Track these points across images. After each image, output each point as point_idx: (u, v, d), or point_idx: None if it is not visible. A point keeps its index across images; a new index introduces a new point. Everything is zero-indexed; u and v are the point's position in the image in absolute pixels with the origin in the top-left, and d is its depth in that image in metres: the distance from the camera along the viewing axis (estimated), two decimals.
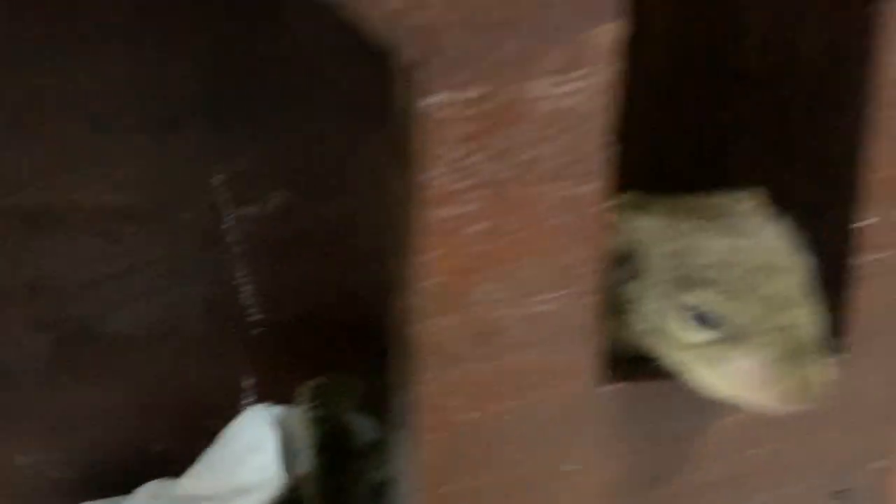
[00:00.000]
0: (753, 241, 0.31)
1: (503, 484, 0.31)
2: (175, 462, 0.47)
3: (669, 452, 0.33)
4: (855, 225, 0.33)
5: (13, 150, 0.43)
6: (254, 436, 0.46)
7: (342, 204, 0.46)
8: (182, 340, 0.47)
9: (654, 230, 0.32)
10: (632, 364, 0.32)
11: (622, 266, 0.31)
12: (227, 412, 0.48)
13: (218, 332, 0.48)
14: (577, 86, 0.28)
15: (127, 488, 0.46)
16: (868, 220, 0.32)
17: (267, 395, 0.48)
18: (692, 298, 0.30)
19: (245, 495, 0.44)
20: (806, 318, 0.30)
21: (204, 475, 0.45)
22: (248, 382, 0.49)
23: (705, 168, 0.41)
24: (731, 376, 0.30)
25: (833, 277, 0.33)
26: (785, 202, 0.35)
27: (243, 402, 0.49)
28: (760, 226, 0.32)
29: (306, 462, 0.45)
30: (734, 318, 0.30)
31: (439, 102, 0.27)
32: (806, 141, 0.35)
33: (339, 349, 0.48)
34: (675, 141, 0.43)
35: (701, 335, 0.30)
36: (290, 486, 0.44)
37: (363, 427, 0.46)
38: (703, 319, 0.30)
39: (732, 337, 0.30)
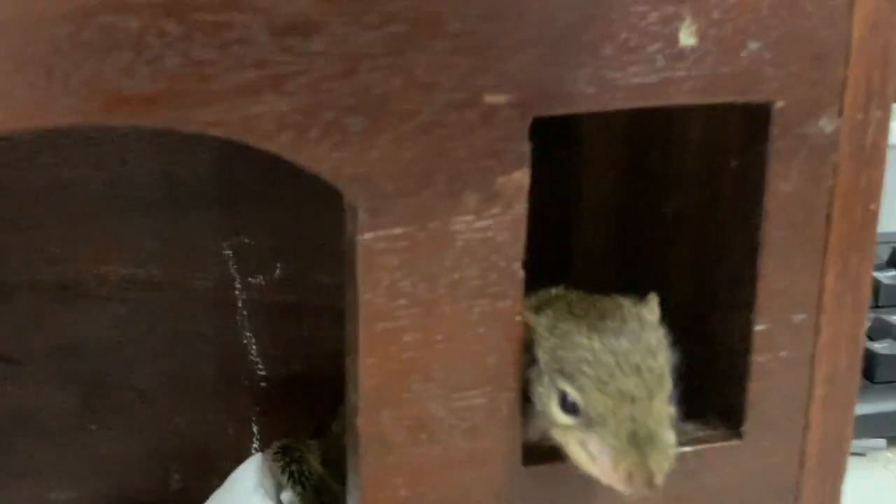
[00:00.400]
0: (626, 342, 0.35)
1: None
2: (192, 498, 0.53)
3: None
4: (753, 329, 0.37)
5: (50, 231, 0.49)
6: (256, 478, 0.52)
7: (334, 273, 0.52)
8: (197, 393, 0.53)
9: (549, 325, 0.36)
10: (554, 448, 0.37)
11: (524, 354, 0.36)
12: (237, 455, 0.54)
13: (228, 386, 0.53)
14: (490, 222, 0.33)
15: None
16: (761, 326, 0.37)
17: (270, 439, 0.54)
18: (561, 385, 0.35)
19: None
20: (656, 412, 0.34)
21: None
22: (255, 429, 0.55)
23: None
24: (585, 457, 0.35)
25: (737, 373, 0.38)
26: (706, 306, 0.40)
27: (251, 446, 0.55)
28: (638, 329, 0.36)
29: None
30: (590, 408, 0.34)
31: (374, 237, 0.33)
32: (721, 259, 0.39)
33: (334, 401, 0.53)
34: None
35: (566, 419, 0.35)
36: None
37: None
38: (567, 405, 0.35)
39: (588, 423, 0.34)
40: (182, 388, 0.53)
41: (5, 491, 0.51)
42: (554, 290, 0.40)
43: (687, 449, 0.37)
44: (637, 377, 0.34)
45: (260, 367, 0.54)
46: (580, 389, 0.34)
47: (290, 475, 0.51)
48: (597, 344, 0.35)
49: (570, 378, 0.35)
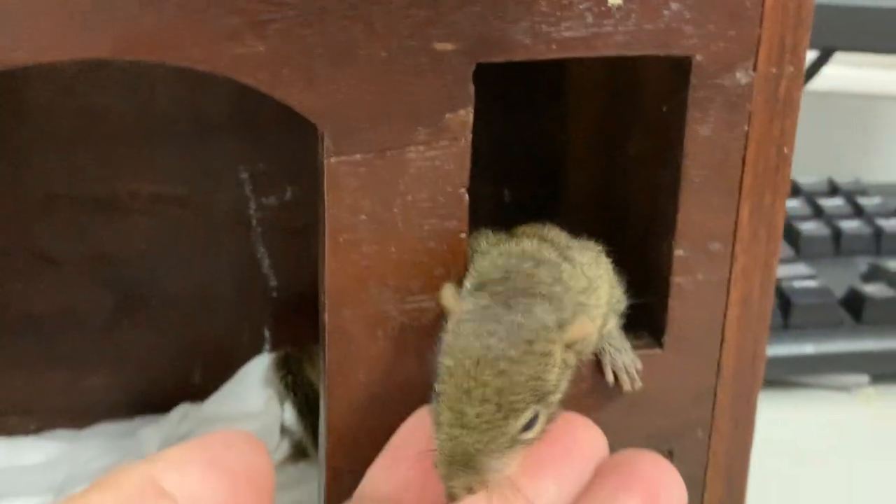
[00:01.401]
0: (491, 349, 0.35)
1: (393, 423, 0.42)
2: (211, 389, 0.60)
3: None
4: (673, 254, 0.43)
5: (88, 151, 0.56)
6: (264, 375, 0.59)
7: None
8: (215, 299, 0.59)
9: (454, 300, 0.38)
10: None
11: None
12: (250, 356, 0.61)
13: (243, 294, 0.60)
14: (439, 153, 0.39)
15: (167, 409, 0.59)
16: (680, 252, 0.42)
17: (280, 343, 0.61)
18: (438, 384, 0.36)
19: (253, 419, 0.57)
20: (486, 438, 0.34)
21: (223, 401, 0.58)
22: (267, 334, 0.62)
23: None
24: None
25: (661, 292, 0.44)
26: (647, 237, 0.45)
27: (263, 349, 0.62)
28: (514, 336, 0.35)
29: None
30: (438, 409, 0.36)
31: (338, 162, 0.39)
32: (655, 194, 0.45)
33: None
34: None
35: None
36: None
37: None
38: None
39: (437, 422, 0.36)
40: (202, 296, 0.60)
41: (46, 377, 0.58)
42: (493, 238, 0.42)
43: None
44: (479, 404, 0.34)
45: (272, 279, 0.60)
46: (438, 394, 0.36)
47: (286, 385, 0.58)
48: (462, 342, 0.36)
49: (438, 376, 0.36)
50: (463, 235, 0.40)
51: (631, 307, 0.44)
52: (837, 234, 0.82)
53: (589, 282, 0.40)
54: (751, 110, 0.41)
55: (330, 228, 0.39)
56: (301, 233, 0.59)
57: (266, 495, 0.31)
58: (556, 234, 0.43)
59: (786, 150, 0.42)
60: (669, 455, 0.45)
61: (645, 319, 0.44)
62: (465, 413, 0.34)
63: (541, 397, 0.35)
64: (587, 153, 0.57)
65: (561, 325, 0.36)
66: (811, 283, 0.76)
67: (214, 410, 0.57)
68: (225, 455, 0.31)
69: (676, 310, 0.43)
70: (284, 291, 0.61)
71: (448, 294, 0.38)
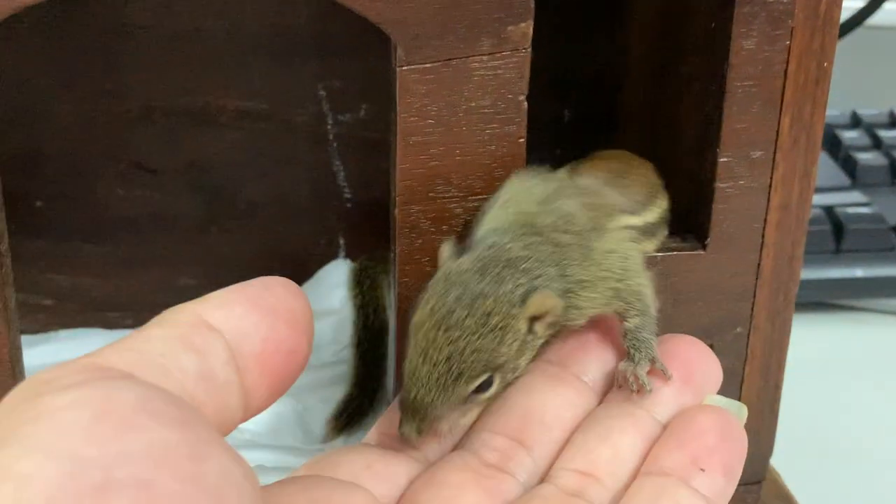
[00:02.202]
0: (468, 297, 0.37)
1: None
2: None
3: None
4: (718, 161, 0.46)
5: (183, 68, 0.61)
6: (339, 277, 0.64)
7: None
8: (294, 208, 0.64)
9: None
10: None
11: None
12: (326, 260, 0.66)
13: (320, 205, 0.64)
14: (501, 62, 0.43)
15: None
16: (724, 158, 0.46)
17: (353, 252, 0.66)
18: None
19: (328, 316, 0.62)
20: (427, 392, 0.37)
21: None
22: (341, 242, 0.67)
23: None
24: None
25: (706, 197, 0.47)
26: (696, 147, 0.49)
27: (338, 256, 0.67)
28: (481, 305, 0.37)
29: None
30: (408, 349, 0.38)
31: (409, 70, 0.43)
32: (702, 107, 0.48)
33: None
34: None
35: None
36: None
37: None
38: None
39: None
40: (283, 204, 0.65)
41: (142, 275, 0.64)
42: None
43: (659, 254, 0.47)
44: (431, 365, 0.37)
45: (347, 191, 0.65)
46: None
47: (354, 305, 0.61)
48: (431, 302, 0.38)
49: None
50: (522, 140, 0.44)
51: (678, 212, 0.47)
52: (894, 165, 0.84)
53: (595, 272, 0.41)
54: (792, 26, 0.44)
55: (401, 131, 0.43)
56: (373, 147, 0.64)
57: (303, 334, 0.33)
58: (595, 199, 0.43)
59: (825, 64, 0.45)
60: (710, 348, 0.49)
61: (691, 223, 0.48)
62: (418, 370, 0.37)
63: (494, 368, 0.37)
64: (642, 74, 0.60)
65: (524, 300, 0.37)
66: (865, 210, 0.78)
67: None
68: (264, 296, 0.32)
69: (719, 213, 0.46)
70: (358, 202, 0.65)
71: (444, 252, 0.40)
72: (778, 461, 0.54)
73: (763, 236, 0.47)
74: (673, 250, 0.47)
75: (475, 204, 0.45)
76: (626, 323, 0.41)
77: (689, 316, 0.48)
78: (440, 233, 0.45)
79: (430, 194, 0.45)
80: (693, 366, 0.42)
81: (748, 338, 0.49)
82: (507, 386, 0.39)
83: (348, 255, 0.66)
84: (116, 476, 0.24)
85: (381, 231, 0.64)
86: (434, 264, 0.46)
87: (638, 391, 0.40)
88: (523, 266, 0.38)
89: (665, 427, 0.41)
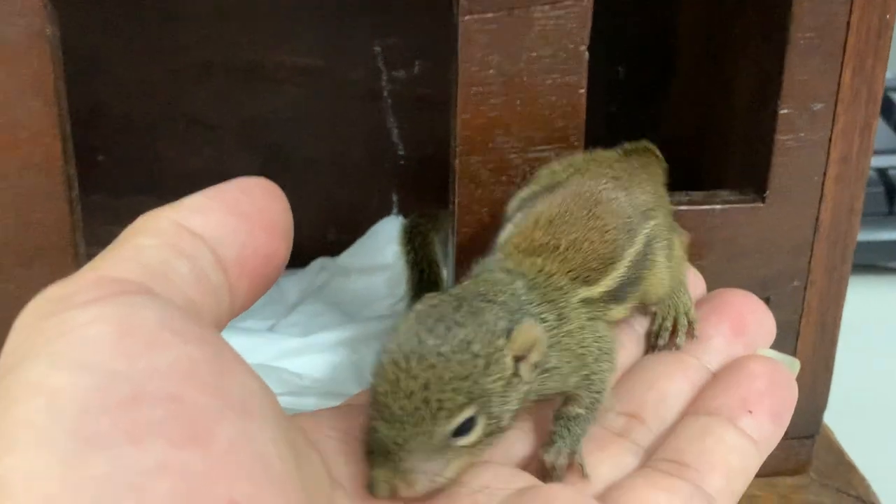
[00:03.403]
0: (443, 327, 0.32)
1: None
2: (342, 248, 0.66)
3: None
4: (778, 113, 0.46)
5: (241, 25, 0.62)
6: (392, 233, 0.65)
7: None
8: (349, 164, 0.65)
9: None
10: None
11: None
12: (379, 216, 0.67)
13: (375, 161, 0.65)
14: (563, 12, 0.43)
15: (305, 263, 0.65)
16: (784, 111, 0.46)
17: (407, 208, 0.67)
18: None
19: (382, 271, 0.63)
20: (399, 431, 0.31)
21: (356, 255, 0.64)
22: (394, 198, 0.67)
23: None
24: None
25: (765, 150, 0.47)
26: (753, 100, 0.48)
27: (390, 211, 0.67)
28: (461, 349, 0.32)
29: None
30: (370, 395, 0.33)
31: (471, 20, 0.43)
32: (762, 59, 0.48)
33: None
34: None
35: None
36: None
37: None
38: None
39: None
40: (338, 161, 0.65)
41: None
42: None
43: (717, 207, 0.47)
44: (404, 397, 0.31)
45: (400, 148, 0.66)
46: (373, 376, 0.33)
47: (407, 262, 0.61)
48: (398, 337, 0.33)
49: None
50: (582, 91, 0.44)
51: (741, 167, 0.47)
52: None
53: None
54: None
55: (462, 81, 0.44)
56: (428, 105, 0.64)
57: (281, 238, 0.32)
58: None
59: (888, 17, 0.44)
60: (767, 302, 0.49)
61: (750, 177, 0.48)
62: (388, 406, 0.31)
63: (476, 400, 0.32)
64: (695, 32, 0.60)
65: (509, 333, 0.33)
66: None
67: (348, 262, 0.63)
68: (242, 200, 0.32)
69: (779, 166, 0.46)
70: (411, 159, 0.66)
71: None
72: (829, 418, 0.54)
73: (822, 189, 0.47)
74: (732, 203, 0.47)
75: (534, 155, 0.45)
76: (568, 408, 0.37)
77: (747, 269, 0.48)
78: (500, 183, 0.46)
79: (490, 145, 0.45)
80: (746, 318, 0.42)
81: (805, 292, 0.49)
82: (490, 440, 0.33)
83: (401, 212, 0.67)
84: (146, 389, 0.24)
85: (434, 188, 0.65)
86: (493, 216, 0.46)
87: (555, 480, 0.36)
88: (498, 299, 0.34)
89: (715, 375, 0.41)
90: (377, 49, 0.63)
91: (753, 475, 0.38)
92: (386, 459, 0.32)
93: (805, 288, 0.49)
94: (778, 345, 0.50)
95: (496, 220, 0.46)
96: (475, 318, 0.33)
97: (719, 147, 0.55)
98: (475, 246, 0.46)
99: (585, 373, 0.37)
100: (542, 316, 0.36)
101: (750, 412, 0.38)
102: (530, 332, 0.34)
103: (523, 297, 0.35)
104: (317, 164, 0.65)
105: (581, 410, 0.37)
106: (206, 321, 0.29)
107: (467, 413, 0.32)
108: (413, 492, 0.32)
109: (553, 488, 0.34)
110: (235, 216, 0.31)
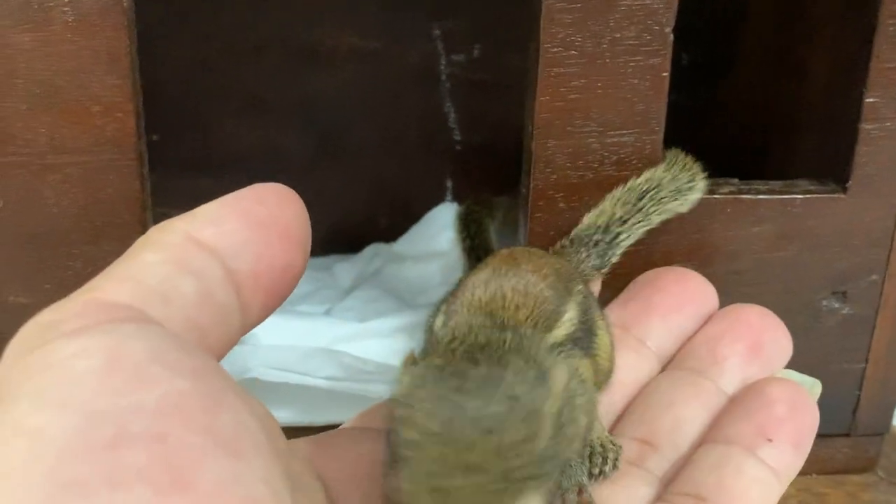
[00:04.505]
0: (473, 384, 0.28)
1: None
2: (394, 233, 0.65)
3: None
4: (864, 101, 0.45)
5: (298, 6, 0.61)
6: (447, 220, 0.63)
7: (524, 57, 0.61)
8: (404, 148, 0.64)
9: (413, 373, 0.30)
10: None
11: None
12: (432, 203, 0.65)
13: (429, 146, 0.64)
14: None
15: (356, 249, 0.64)
16: (871, 99, 0.44)
17: (461, 195, 0.66)
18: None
19: (437, 258, 0.62)
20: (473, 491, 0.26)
21: (411, 241, 0.63)
22: (448, 184, 0.66)
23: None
24: None
25: (847, 139, 0.46)
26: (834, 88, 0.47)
27: (445, 199, 0.66)
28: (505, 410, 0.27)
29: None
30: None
31: (553, 1, 0.42)
32: (845, 46, 0.47)
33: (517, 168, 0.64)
34: None
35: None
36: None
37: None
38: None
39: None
40: (392, 145, 0.64)
41: None
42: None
43: (798, 197, 0.46)
44: (467, 474, 0.26)
45: (456, 133, 0.65)
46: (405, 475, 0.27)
47: (464, 249, 0.61)
48: (423, 408, 0.28)
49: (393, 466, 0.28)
50: (665, 74, 0.43)
51: (814, 155, 0.46)
52: None
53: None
54: None
55: (543, 63, 0.43)
56: (486, 89, 0.63)
57: (298, 248, 0.31)
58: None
59: None
60: (843, 296, 0.48)
61: (828, 166, 0.47)
62: (442, 489, 0.26)
63: (542, 468, 0.28)
64: (762, 19, 0.59)
65: (542, 378, 0.29)
66: None
67: (403, 249, 0.62)
68: (257, 209, 0.30)
69: (863, 155, 0.45)
70: (467, 145, 0.65)
71: (404, 363, 0.31)
72: None
73: None
74: (812, 193, 0.46)
75: (613, 139, 0.44)
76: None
77: (824, 261, 0.47)
78: (576, 168, 0.45)
79: (568, 128, 0.44)
80: (762, 336, 0.41)
81: (882, 286, 0.48)
82: None
83: (455, 199, 0.66)
84: (130, 430, 0.23)
85: (489, 175, 0.64)
86: (568, 201, 0.45)
87: None
88: (506, 349, 0.30)
89: (732, 399, 0.40)
90: (436, 32, 0.62)
91: None
92: None
93: (883, 282, 0.48)
94: (853, 340, 0.49)
95: (571, 208, 0.45)
96: (506, 369, 0.29)
97: (788, 135, 0.54)
98: (548, 233, 0.46)
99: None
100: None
101: (770, 440, 0.37)
102: (564, 378, 0.30)
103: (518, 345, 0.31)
104: (371, 148, 0.64)
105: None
106: (210, 342, 0.28)
107: (536, 484, 0.27)
108: None
109: None
110: (250, 226, 0.29)
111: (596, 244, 0.44)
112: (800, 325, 0.48)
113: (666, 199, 0.45)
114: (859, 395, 0.50)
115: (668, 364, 0.42)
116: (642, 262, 0.46)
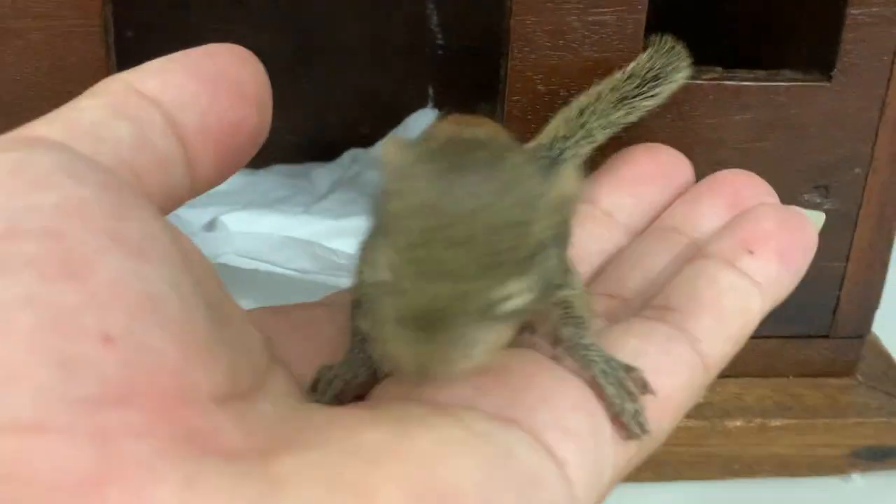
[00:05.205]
0: (469, 165, 0.26)
1: None
2: (374, 139, 0.63)
3: None
4: None
5: None
6: (426, 126, 0.62)
7: None
8: (385, 53, 0.63)
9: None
10: None
11: None
12: (414, 109, 0.64)
13: (412, 51, 0.63)
14: None
15: (337, 155, 0.63)
16: None
17: (442, 102, 0.65)
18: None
19: None
20: (452, 288, 0.25)
21: None
22: (429, 91, 0.65)
23: None
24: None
25: (834, 26, 0.45)
26: None
27: (427, 105, 0.65)
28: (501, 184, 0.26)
29: None
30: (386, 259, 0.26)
31: None
32: None
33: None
34: None
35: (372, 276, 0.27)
36: None
37: None
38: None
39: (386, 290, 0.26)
40: (373, 49, 0.63)
41: None
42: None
43: (782, 84, 0.45)
44: (451, 246, 0.25)
45: (439, 37, 0.63)
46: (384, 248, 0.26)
47: None
48: (414, 183, 0.26)
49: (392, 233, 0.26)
50: None
51: (805, 45, 0.45)
52: None
53: None
54: None
55: None
56: None
57: (251, 105, 0.30)
58: None
59: None
60: (825, 190, 0.47)
61: (816, 56, 0.46)
62: (431, 258, 0.25)
63: (533, 254, 0.26)
64: None
65: (548, 171, 0.28)
66: None
67: (381, 152, 0.61)
68: (206, 64, 0.30)
69: (849, 42, 0.44)
70: (450, 50, 0.64)
71: (391, 146, 0.29)
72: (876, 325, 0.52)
73: (892, 69, 0.45)
74: (796, 81, 0.45)
75: (595, 17, 0.43)
76: (563, 330, 0.32)
77: (807, 153, 0.46)
78: (556, 48, 0.43)
79: (549, 4, 0.43)
80: (741, 188, 0.39)
81: (865, 180, 0.47)
82: (524, 313, 0.27)
83: (437, 106, 0.64)
84: (22, 225, 0.22)
85: (473, 82, 0.63)
86: (547, 83, 0.44)
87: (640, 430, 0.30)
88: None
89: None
90: None
91: (757, 320, 0.34)
92: (432, 328, 0.25)
93: (866, 176, 0.47)
94: (833, 237, 0.48)
95: (550, 91, 0.44)
96: (507, 156, 0.27)
97: (784, 27, 0.52)
98: (525, 117, 0.45)
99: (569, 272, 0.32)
100: None
101: (750, 252, 0.35)
102: (574, 176, 0.28)
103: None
104: (352, 51, 0.63)
105: (574, 320, 0.31)
106: (148, 187, 0.27)
107: (519, 273, 0.26)
108: (457, 368, 0.26)
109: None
110: (198, 80, 0.29)
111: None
112: None
113: (638, 97, 0.43)
114: (839, 296, 0.49)
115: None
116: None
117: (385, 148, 0.29)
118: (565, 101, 0.43)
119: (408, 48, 0.63)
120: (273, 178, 0.62)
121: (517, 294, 0.26)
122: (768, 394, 0.50)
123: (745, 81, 0.45)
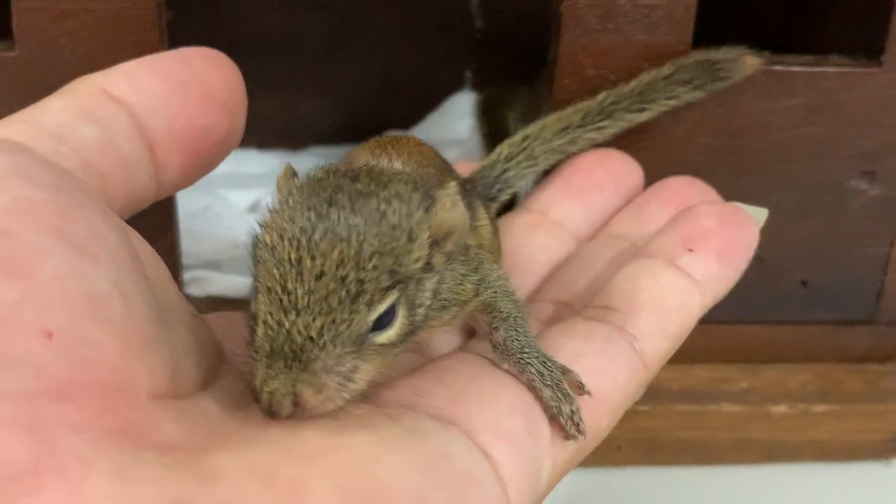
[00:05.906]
0: (345, 197, 0.27)
1: None
2: (411, 123, 0.63)
3: None
4: None
5: None
6: (464, 109, 0.62)
7: None
8: (423, 35, 0.62)
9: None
10: None
11: None
12: (450, 91, 0.64)
13: (449, 34, 0.63)
14: None
15: (374, 136, 0.64)
16: None
17: (480, 85, 0.64)
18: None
19: (455, 146, 0.61)
20: (308, 320, 0.26)
21: (429, 128, 0.62)
22: (467, 74, 0.65)
23: None
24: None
25: (883, 11, 0.45)
26: None
27: (463, 87, 0.65)
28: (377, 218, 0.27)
29: None
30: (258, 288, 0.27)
31: None
32: None
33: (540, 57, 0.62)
34: None
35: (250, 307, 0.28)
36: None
37: None
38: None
39: (255, 320, 0.27)
40: (411, 31, 0.63)
41: (265, 99, 0.62)
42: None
43: (830, 70, 0.45)
44: (313, 280, 0.26)
45: (478, 19, 0.63)
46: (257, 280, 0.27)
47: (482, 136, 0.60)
48: (287, 214, 0.27)
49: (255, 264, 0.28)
50: None
51: (848, 30, 0.45)
52: None
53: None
54: None
55: None
56: None
57: (222, 111, 0.31)
58: None
59: None
60: (872, 176, 0.47)
61: (862, 41, 0.46)
62: (291, 292, 0.26)
63: (399, 284, 0.27)
64: None
65: (426, 207, 0.28)
66: None
67: (420, 136, 0.61)
68: (179, 69, 0.30)
69: None
70: (488, 33, 0.63)
71: (281, 176, 0.30)
72: None
73: None
74: (846, 66, 0.45)
75: (647, 1, 0.43)
76: (494, 335, 0.32)
77: (854, 139, 0.46)
78: (606, 31, 0.43)
79: None
80: (688, 195, 0.40)
81: None
82: (404, 343, 0.28)
83: (474, 89, 0.64)
84: None
85: (510, 64, 0.63)
86: (597, 67, 0.44)
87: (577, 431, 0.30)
88: (401, 178, 0.29)
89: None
90: None
91: (696, 317, 0.34)
92: (284, 362, 0.26)
93: None
94: (878, 222, 0.48)
95: (599, 76, 0.44)
96: (384, 189, 0.28)
97: (823, 10, 0.52)
98: (574, 101, 0.44)
99: (478, 277, 0.32)
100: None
101: (690, 250, 0.35)
102: (454, 210, 0.29)
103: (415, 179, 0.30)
104: (389, 33, 0.62)
105: (504, 324, 0.32)
106: (111, 189, 0.28)
107: (391, 298, 0.27)
108: (325, 402, 0.26)
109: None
110: (168, 85, 0.30)
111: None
112: (825, 206, 0.47)
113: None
114: (883, 281, 0.49)
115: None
116: (666, 139, 0.45)
117: (278, 177, 0.30)
118: (613, 86, 0.44)
119: (446, 30, 0.63)
120: (310, 160, 0.62)
121: (384, 325, 0.27)
122: (809, 378, 0.50)
123: (794, 66, 0.45)
